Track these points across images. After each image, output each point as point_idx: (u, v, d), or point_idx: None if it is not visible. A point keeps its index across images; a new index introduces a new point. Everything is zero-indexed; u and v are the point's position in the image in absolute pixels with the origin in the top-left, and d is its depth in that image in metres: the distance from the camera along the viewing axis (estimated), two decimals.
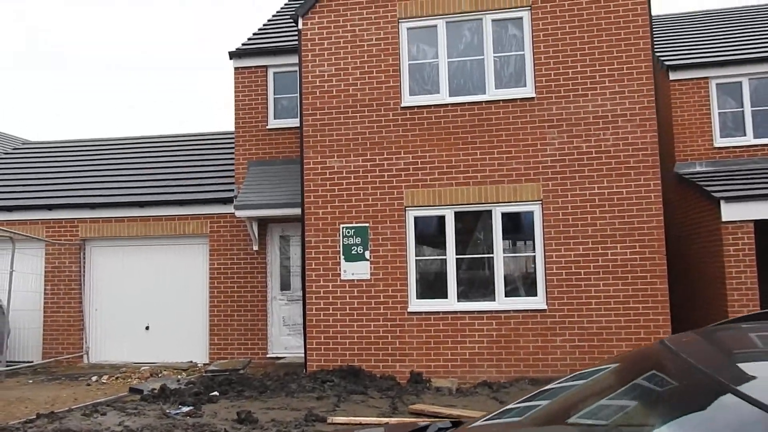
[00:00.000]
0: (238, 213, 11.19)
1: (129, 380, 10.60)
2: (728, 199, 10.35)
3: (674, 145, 12.55)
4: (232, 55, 12.30)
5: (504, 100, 9.91)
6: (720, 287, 10.54)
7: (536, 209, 9.77)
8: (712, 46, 13.50)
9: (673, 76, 12.62)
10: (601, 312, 9.48)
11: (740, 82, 12.52)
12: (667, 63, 12.66)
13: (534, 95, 9.85)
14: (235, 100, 12.24)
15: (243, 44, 12.70)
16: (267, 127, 12.24)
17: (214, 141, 14.56)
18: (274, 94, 12.27)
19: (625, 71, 9.68)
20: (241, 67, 12.37)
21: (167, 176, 13.27)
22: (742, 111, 12.47)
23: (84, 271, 12.75)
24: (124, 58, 53.38)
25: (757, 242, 12.75)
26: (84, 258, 12.77)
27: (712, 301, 10.95)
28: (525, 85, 9.94)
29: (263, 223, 12.01)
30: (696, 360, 1.93)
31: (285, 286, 12.10)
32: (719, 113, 12.53)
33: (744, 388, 1.62)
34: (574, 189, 9.66)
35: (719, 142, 12.46)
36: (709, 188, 10.82)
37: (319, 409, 7.69)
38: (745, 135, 12.41)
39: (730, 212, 10.32)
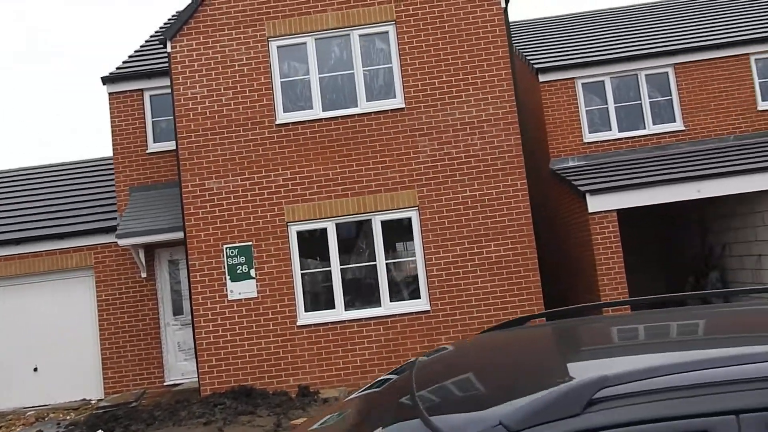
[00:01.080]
0: (121, 242, 10.96)
1: (13, 429, 10.15)
2: (593, 192, 11.03)
3: (548, 143, 13.24)
4: (105, 80, 12.04)
5: (376, 112, 10.20)
6: (592, 275, 11.21)
7: (414, 215, 10.10)
8: (576, 48, 14.35)
9: (542, 78, 13.32)
10: (481, 308, 9.91)
11: (603, 81, 13.37)
12: (536, 66, 13.35)
13: (404, 106, 10.19)
14: (112, 126, 11.98)
15: (117, 68, 12.46)
16: (147, 152, 12.05)
17: (93, 168, 14.16)
18: (152, 118, 12.11)
19: (487, 79, 10.18)
20: (116, 92, 12.12)
21: (44, 209, 12.80)
22: (607, 108, 13.31)
23: None
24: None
25: (624, 230, 13.63)
26: None
27: (587, 289, 11.63)
28: (395, 97, 10.28)
29: (150, 249, 11.80)
30: (418, 381, 2.10)
31: (178, 310, 11.92)
32: (586, 111, 13.32)
33: (436, 415, 1.72)
34: (448, 193, 10.06)
35: (588, 137, 13.24)
36: (576, 182, 11.50)
37: None
38: (610, 130, 13.25)
39: (595, 203, 11.00)
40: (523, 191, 10.01)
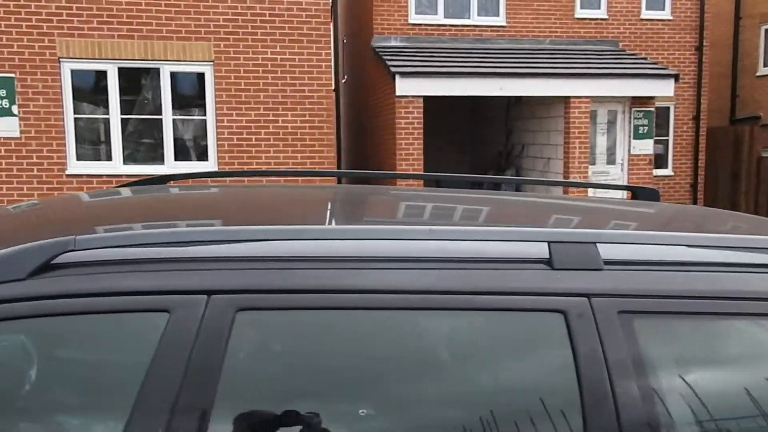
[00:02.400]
0: None
1: None
2: (403, 74, 10.88)
3: (373, 18, 12.75)
4: None
5: None
6: (392, 158, 11.30)
7: (207, 70, 9.34)
8: None
9: None
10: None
11: None
12: None
13: None
14: None
15: None
16: None
17: None
18: None
19: None
20: None
21: None
22: None
23: None
24: None
25: (435, 119, 13.87)
26: None
27: (383, 170, 11.77)
28: None
29: None
30: None
31: None
32: None
33: None
34: (247, 52, 9.36)
35: (414, 18, 12.91)
36: (390, 62, 11.26)
37: None
38: (436, 14, 13.00)
39: (403, 86, 10.89)
40: (327, 62, 9.58)
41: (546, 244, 1.44)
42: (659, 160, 13.47)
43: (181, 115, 9.47)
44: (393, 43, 12.69)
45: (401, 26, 12.82)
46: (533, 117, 13.00)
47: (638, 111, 11.97)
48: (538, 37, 13.19)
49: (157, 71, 9.24)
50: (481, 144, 15.52)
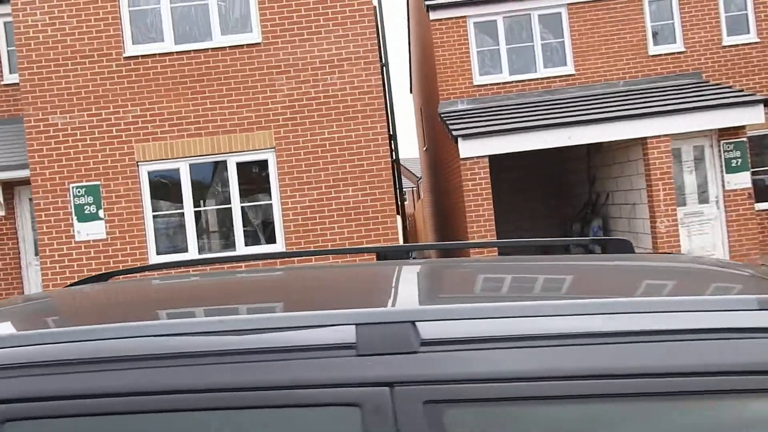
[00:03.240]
0: None
1: None
2: (465, 137, 10.78)
3: (438, 85, 12.87)
4: None
5: (231, 47, 9.65)
6: (463, 220, 11.09)
7: (270, 157, 9.74)
8: None
9: (433, 15, 12.82)
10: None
11: (495, 21, 12.93)
12: (426, 2, 12.82)
13: (260, 41, 9.65)
14: None
15: None
16: (3, 83, 11.32)
17: None
18: (8, 46, 11.32)
19: (348, 15, 9.66)
20: None
21: None
22: (498, 49, 12.93)
23: None
24: None
25: (518, 175, 13.56)
26: None
27: (459, 234, 11.54)
28: (251, 31, 9.71)
29: (9, 186, 11.24)
30: None
31: None
32: (477, 51, 12.92)
33: None
34: (306, 135, 9.68)
35: (479, 80, 12.89)
36: (452, 126, 11.22)
37: None
38: (501, 72, 12.91)
39: (466, 149, 10.76)
40: (383, 135, 9.69)
41: (354, 327, 1.28)
42: (763, 193, 12.28)
43: (248, 201, 9.87)
44: (459, 107, 12.68)
45: (466, 89, 12.81)
46: (614, 163, 12.37)
47: (728, 143, 11.06)
48: (610, 81, 12.70)
49: (224, 163, 9.75)
50: (568, 195, 14.94)
